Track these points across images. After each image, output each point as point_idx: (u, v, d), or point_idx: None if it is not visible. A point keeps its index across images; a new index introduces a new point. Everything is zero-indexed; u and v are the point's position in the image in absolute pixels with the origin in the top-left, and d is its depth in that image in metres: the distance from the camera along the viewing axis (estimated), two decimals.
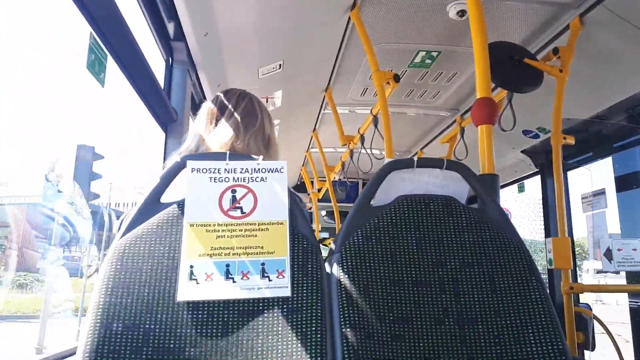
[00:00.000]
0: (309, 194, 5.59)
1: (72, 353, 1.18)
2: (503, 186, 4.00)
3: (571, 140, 2.36)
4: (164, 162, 2.27)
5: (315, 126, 4.16)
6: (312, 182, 5.57)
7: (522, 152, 3.48)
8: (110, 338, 0.96)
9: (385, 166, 1.25)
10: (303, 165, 5.39)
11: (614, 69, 2.40)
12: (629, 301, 2.70)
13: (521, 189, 3.96)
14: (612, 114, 2.69)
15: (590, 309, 2.48)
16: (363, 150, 3.57)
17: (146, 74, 1.82)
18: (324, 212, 6.12)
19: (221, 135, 1.38)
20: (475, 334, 1.08)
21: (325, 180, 4.92)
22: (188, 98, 2.41)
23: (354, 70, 3.15)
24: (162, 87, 2.21)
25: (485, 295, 1.12)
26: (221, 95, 1.49)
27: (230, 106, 1.44)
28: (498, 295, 1.12)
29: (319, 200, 5.55)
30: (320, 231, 5.92)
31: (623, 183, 2.89)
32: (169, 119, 2.20)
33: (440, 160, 1.24)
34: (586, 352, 2.44)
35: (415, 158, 1.25)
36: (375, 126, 3.14)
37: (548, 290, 3.12)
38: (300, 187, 5.85)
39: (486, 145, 1.51)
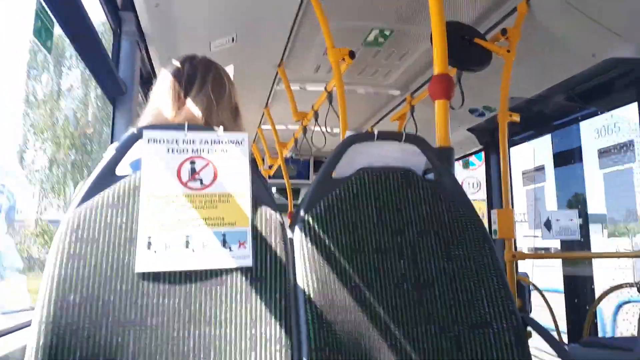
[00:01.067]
0: (260, 171, 5.56)
1: (26, 325, 1.14)
2: None
3: (517, 118, 2.47)
4: (111, 135, 2.20)
5: (267, 102, 4.12)
6: (263, 159, 5.54)
7: (468, 129, 3.60)
8: (67, 310, 0.94)
9: (347, 139, 1.27)
10: (254, 141, 5.34)
11: (557, 51, 2.52)
12: (563, 268, 2.90)
13: (466, 165, 4.12)
14: (553, 93, 2.84)
15: (528, 277, 2.65)
16: (316, 128, 3.58)
17: (94, 44, 1.74)
18: (274, 189, 6.12)
19: (192, 113, 1.30)
20: (432, 297, 1.14)
21: (276, 157, 4.90)
22: (137, 70, 2.33)
23: (308, 47, 3.13)
24: (110, 59, 2.13)
25: (441, 261, 1.18)
26: (185, 65, 1.36)
27: (198, 78, 1.34)
28: (453, 261, 1.18)
29: (270, 178, 5.53)
30: None
31: (560, 159, 3.08)
32: (118, 92, 2.12)
33: (400, 134, 1.28)
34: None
35: (376, 131, 1.28)
36: (330, 103, 3.15)
37: None
38: (251, 163, 5.79)
39: (442, 120, 1.56)
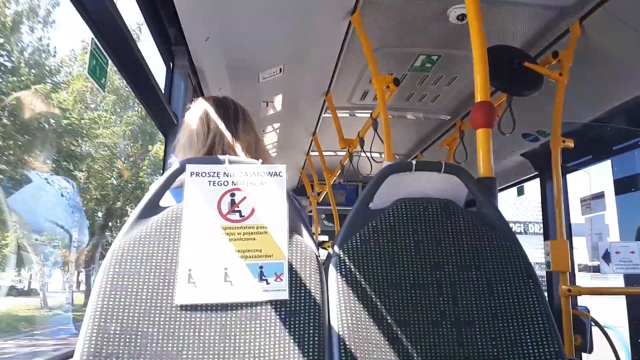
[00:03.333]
0: (308, 197, 5.60)
1: (70, 356, 1.18)
2: (502, 189, 4.01)
3: (570, 144, 2.36)
4: (163, 166, 2.28)
5: (315, 130, 4.18)
6: (312, 186, 5.58)
7: (521, 155, 3.48)
8: (108, 341, 0.97)
9: (384, 169, 1.25)
10: (303, 168, 5.41)
11: (613, 73, 2.41)
12: (627, 303, 2.70)
13: (520, 192, 3.97)
14: (611, 117, 2.70)
15: (588, 312, 2.48)
16: (362, 154, 3.58)
17: (146, 79, 1.83)
18: (323, 215, 6.13)
19: (234, 149, 1.39)
20: (472, 337, 1.08)
21: (324, 184, 4.93)
22: (188, 103, 2.42)
23: (354, 75, 3.16)
24: (163, 92, 2.23)
25: (483, 298, 1.12)
26: (218, 102, 1.47)
27: (240, 116, 1.45)
28: (495, 298, 1.13)
29: (318, 204, 5.56)
30: (319, 234, 5.93)
31: (622, 186, 2.90)
32: (170, 124, 2.22)
33: (439, 164, 1.25)
34: (584, 355, 2.45)
35: (414, 161, 1.26)
36: (375, 130, 3.15)
37: (546, 293, 3.13)
38: (300, 190, 5.86)
39: (484, 149, 1.52)
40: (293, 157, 4.97)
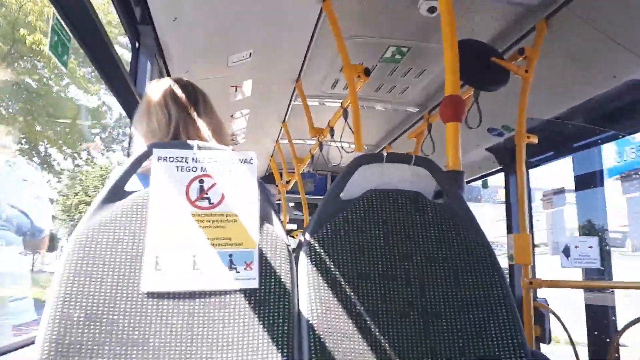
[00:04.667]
0: (277, 185, 5.57)
1: (30, 342, 1.13)
2: (468, 182, 4.09)
3: (534, 139, 2.42)
4: (129, 148, 2.21)
5: (285, 117, 4.14)
6: (280, 174, 5.55)
7: (486, 149, 3.55)
8: (71, 328, 0.93)
9: (356, 160, 1.25)
10: (272, 155, 5.37)
11: (577, 71, 2.48)
12: (585, 296, 2.81)
13: (484, 185, 4.06)
14: (574, 114, 2.78)
15: (547, 304, 2.57)
16: (333, 143, 3.58)
17: (111, 58, 1.76)
18: (292, 204, 6.12)
19: (201, 132, 1.34)
20: (438, 328, 1.10)
21: (294, 172, 4.91)
22: None
23: (325, 63, 3.14)
24: (129, 72, 2.16)
25: (449, 289, 1.14)
26: (182, 85, 1.41)
27: (200, 99, 1.39)
28: (461, 290, 1.15)
29: (287, 192, 5.54)
30: (288, 222, 5.92)
31: (582, 182, 3.00)
32: (135, 104, 2.13)
33: (409, 156, 1.26)
34: (542, 345, 2.54)
35: (385, 153, 1.26)
36: (345, 119, 3.15)
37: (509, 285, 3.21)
38: (269, 177, 5.82)
39: (453, 142, 1.54)
40: (262, 143, 4.92)
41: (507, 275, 3.19)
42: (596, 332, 2.71)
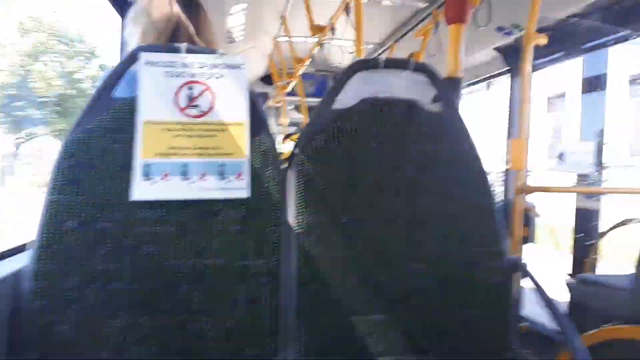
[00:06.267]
0: (275, 87, 5.44)
1: (21, 250, 1.18)
2: (473, 83, 3.98)
3: (544, 40, 2.29)
4: (121, 49, 2.13)
5: (285, 11, 3.92)
6: (280, 74, 5.40)
7: (494, 49, 3.41)
8: (63, 235, 0.97)
9: (351, 66, 1.21)
10: (271, 55, 5.18)
11: None
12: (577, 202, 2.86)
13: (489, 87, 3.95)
14: (586, 13, 2.62)
15: (535, 208, 2.63)
16: (335, 42, 3.42)
17: None
18: (292, 106, 6.03)
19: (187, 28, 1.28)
20: (423, 236, 1.13)
21: (294, 73, 4.77)
22: None
23: None
24: None
25: (437, 200, 1.16)
26: None
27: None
28: (448, 200, 1.16)
29: (287, 94, 5.42)
30: (288, 125, 5.88)
31: (589, 85, 2.91)
32: (124, 2, 2.02)
33: (407, 62, 1.20)
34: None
35: (383, 57, 1.21)
36: (348, 15, 2.98)
37: (503, 188, 3.26)
38: (268, 78, 5.66)
39: (455, 46, 1.47)
40: (261, 41, 4.71)
41: (503, 180, 3.23)
42: (582, 235, 2.80)
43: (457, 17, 1.45)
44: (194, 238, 1.03)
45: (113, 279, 0.98)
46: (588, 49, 2.81)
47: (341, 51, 3.41)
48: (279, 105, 5.59)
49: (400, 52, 4.29)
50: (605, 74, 2.86)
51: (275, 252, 1.04)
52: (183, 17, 1.30)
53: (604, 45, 2.68)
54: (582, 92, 2.92)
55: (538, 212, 2.49)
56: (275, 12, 3.92)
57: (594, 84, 2.88)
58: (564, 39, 2.82)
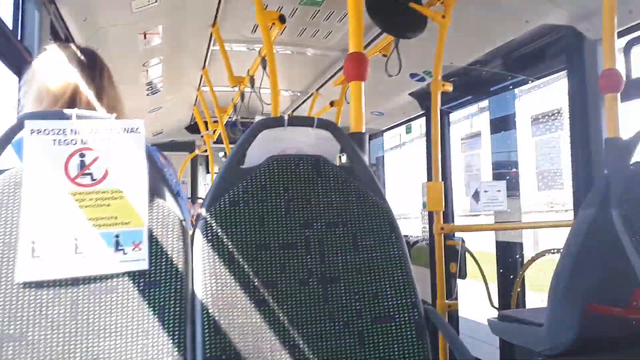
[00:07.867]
0: (202, 136, 5.38)
1: None
2: (392, 127, 4.13)
3: (449, 87, 2.43)
4: (18, 114, 2.00)
5: (204, 64, 3.92)
6: (205, 123, 5.34)
7: (409, 94, 3.57)
8: None
9: (256, 125, 1.20)
10: (195, 104, 5.13)
11: (492, 17, 2.48)
12: (496, 237, 2.98)
13: (408, 130, 4.12)
14: (488, 60, 2.82)
15: (463, 242, 2.71)
16: (259, 91, 3.45)
17: None
18: (221, 153, 5.96)
19: (87, 98, 1.23)
20: (337, 292, 1.11)
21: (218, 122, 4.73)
22: (46, 36, 2.11)
23: (243, 6, 2.94)
24: (12, 24, 1.92)
25: (348, 254, 1.15)
26: (73, 49, 1.30)
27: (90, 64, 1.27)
28: (360, 253, 1.15)
29: (214, 142, 5.36)
30: (216, 173, 5.78)
31: (496, 126, 3.11)
32: (22, 61, 1.91)
33: (311, 119, 1.21)
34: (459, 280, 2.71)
35: (286, 116, 1.21)
36: (264, 68, 3.02)
37: (427, 230, 3.34)
38: (193, 127, 5.59)
39: (356, 103, 1.50)
40: (184, 92, 4.66)
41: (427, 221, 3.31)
42: (505, 268, 2.91)
43: (355, 75, 1.49)
44: (87, 319, 0.94)
45: None
46: (493, 92, 3.01)
47: (261, 102, 3.43)
48: (205, 154, 5.50)
49: (323, 99, 4.40)
50: (512, 114, 3.07)
51: (180, 327, 0.97)
52: (82, 82, 1.25)
53: (506, 88, 2.88)
54: (491, 133, 3.10)
55: (467, 247, 2.56)
56: (196, 63, 3.91)
57: (500, 124, 3.07)
58: (471, 84, 3.01)
